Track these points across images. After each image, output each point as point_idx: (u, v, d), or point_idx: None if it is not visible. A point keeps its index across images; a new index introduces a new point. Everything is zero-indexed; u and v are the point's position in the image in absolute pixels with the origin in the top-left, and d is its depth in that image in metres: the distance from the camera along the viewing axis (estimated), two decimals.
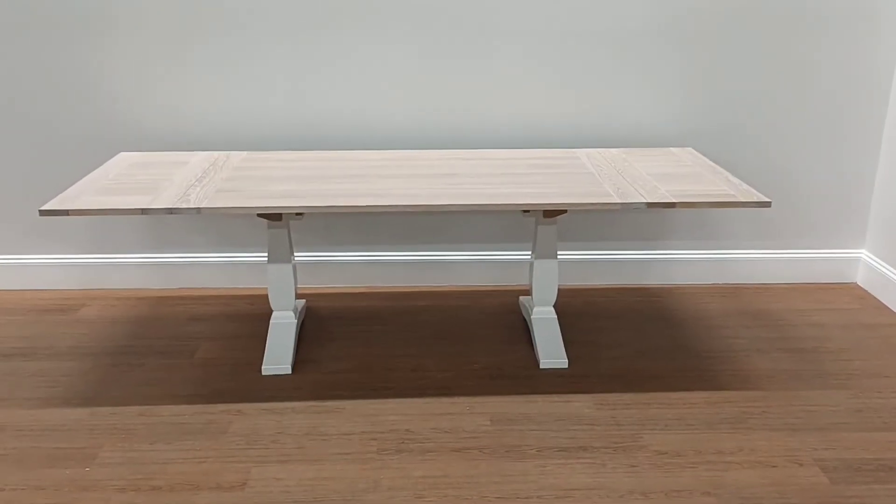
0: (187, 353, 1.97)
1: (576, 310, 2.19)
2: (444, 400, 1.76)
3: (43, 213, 1.63)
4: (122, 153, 2.09)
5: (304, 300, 2.22)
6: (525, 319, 2.14)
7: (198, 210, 1.66)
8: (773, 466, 1.54)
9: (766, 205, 1.72)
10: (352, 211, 1.69)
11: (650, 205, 1.71)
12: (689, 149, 2.16)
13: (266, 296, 2.23)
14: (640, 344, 2.02)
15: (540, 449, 1.59)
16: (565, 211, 1.85)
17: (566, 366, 1.90)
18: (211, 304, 2.25)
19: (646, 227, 2.36)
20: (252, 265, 2.34)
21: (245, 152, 2.09)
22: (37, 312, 2.19)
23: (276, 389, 1.81)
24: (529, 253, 2.36)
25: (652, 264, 2.38)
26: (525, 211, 1.94)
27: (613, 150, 2.13)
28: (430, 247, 2.36)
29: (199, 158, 2.03)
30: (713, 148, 2.26)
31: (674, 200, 1.71)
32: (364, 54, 2.15)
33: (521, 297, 2.23)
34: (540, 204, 1.70)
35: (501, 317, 2.17)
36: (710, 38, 2.17)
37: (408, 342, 2.03)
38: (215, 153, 2.09)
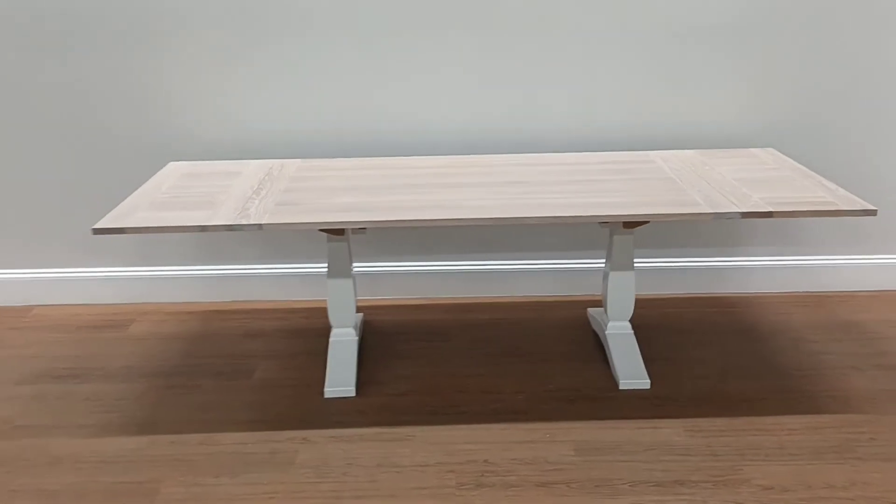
0: (245, 374, 1.87)
1: (649, 322, 2.06)
2: (522, 426, 1.64)
3: (97, 231, 1.54)
4: (172, 163, 2.00)
5: (360, 314, 2.11)
6: (596, 333, 2.02)
7: (259, 226, 1.55)
8: (893, 503, 1.41)
9: (872, 213, 1.58)
10: (421, 225, 1.58)
11: (745, 215, 1.58)
12: (771, 149, 2.02)
13: (322, 309, 2.13)
14: (723, 360, 1.89)
15: (633, 483, 1.47)
16: (647, 221, 1.73)
17: (648, 386, 1.77)
18: (265, 318, 2.15)
19: (718, 232, 2.22)
20: (306, 277, 2.24)
21: (300, 160, 1.99)
22: (86, 329, 2.10)
23: (342, 414, 1.70)
24: (593, 261, 2.23)
25: (725, 272, 2.24)
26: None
27: (689, 152, 2.00)
28: (489, 255, 2.24)
29: (252, 168, 1.93)
30: (790, 148, 2.11)
31: (771, 209, 1.57)
32: (421, 56, 2.03)
33: (589, 309, 2.10)
34: (623, 216, 1.58)
35: (570, 331, 2.05)
36: (790, 32, 2.02)
37: (475, 360, 1.91)
38: (269, 161, 1.98)
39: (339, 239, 1.83)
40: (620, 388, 1.77)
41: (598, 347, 1.96)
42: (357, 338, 1.91)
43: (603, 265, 2.20)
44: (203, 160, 2.06)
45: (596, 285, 2.20)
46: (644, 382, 1.78)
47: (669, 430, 1.62)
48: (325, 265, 2.17)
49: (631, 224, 1.78)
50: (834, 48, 2.04)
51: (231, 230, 1.56)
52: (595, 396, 1.75)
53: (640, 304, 2.14)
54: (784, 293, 2.23)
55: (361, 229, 1.81)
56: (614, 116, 2.09)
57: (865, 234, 2.21)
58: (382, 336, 2.05)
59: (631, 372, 1.80)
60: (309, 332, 2.07)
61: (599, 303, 2.13)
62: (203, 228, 1.55)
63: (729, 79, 2.07)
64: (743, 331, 2.03)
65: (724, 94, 2.08)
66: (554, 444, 1.58)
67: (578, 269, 2.23)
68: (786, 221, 2.19)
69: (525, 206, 1.62)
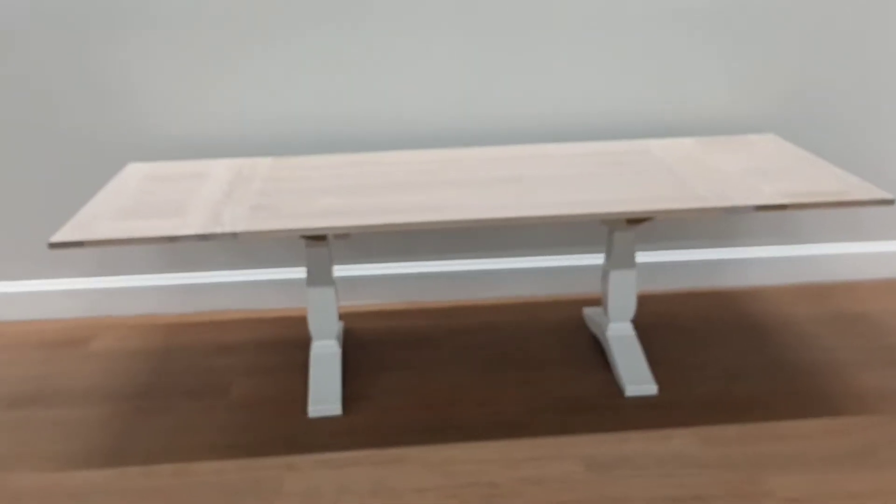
0: (219, 392, 1.73)
1: (646, 321, 1.96)
2: (525, 441, 1.53)
3: (54, 245, 1.38)
4: (131, 164, 1.84)
5: (341, 322, 1.98)
6: (594, 335, 1.91)
7: (234, 235, 1.41)
8: None
9: (889, 202, 1.49)
10: (414, 229, 1.46)
11: (759, 208, 1.48)
12: (772, 135, 1.92)
13: (298, 317, 2.02)
14: (729, 360, 1.79)
15: (648, 500, 1.36)
16: (652, 217, 1.62)
17: (655, 392, 1.67)
18: (237, 329, 2.00)
19: (712, 223, 2.13)
20: (279, 283, 2.09)
21: (271, 158, 1.85)
22: (43, 348, 1.94)
23: (328, 435, 1.57)
24: (584, 257, 2.12)
25: (722, 264, 2.15)
26: None
27: (685, 140, 1.89)
28: (474, 255, 2.12)
29: (220, 168, 1.78)
30: (788, 134, 2.02)
31: (785, 202, 1.48)
32: (400, 41, 1.90)
33: (585, 309, 1.99)
34: (630, 212, 1.47)
35: (566, 334, 1.94)
36: (789, 12, 1.93)
37: (467, 369, 1.79)
38: (238, 160, 1.84)
39: (319, 244, 1.69)
40: (626, 395, 1.67)
41: (597, 350, 1.85)
42: (340, 350, 1.78)
43: (594, 261, 2.11)
44: (164, 159, 1.92)
45: (589, 283, 2.10)
46: (651, 388, 1.67)
47: (681, 441, 1.52)
48: (300, 269, 2.04)
49: (634, 220, 1.67)
50: (835, 28, 1.95)
51: (204, 240, 1.41)
52: (599, 405, 1.64)
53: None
54: (785, 284, 2.15)
55: (345, 235, 1.69)
56: (603, 102, 1.98)
57: (866, 219, 2.13)
58: (365, 345, 1.91)
59: (636, 377, 1.70)
60: (286, 343, 1.93)
61: (594, 301, 2.04)
62: (172, 239, 1.41)
63: (723, 61, 1.97)
64: (746, 327, 1.94)
65: (717, 78, 1.98)
66: (561, 459, 1.47)
67: (569, 267, 2.12)
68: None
69: (523, 204, 1.50)
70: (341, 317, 2.02)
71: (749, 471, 1.43)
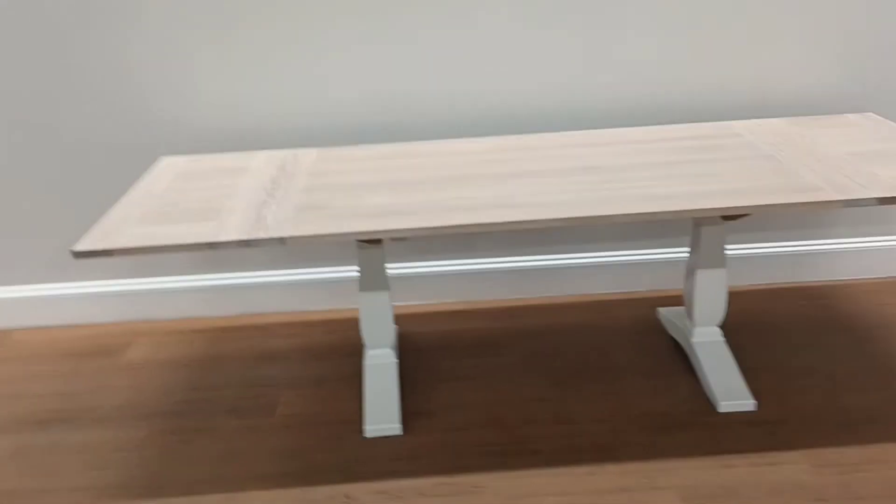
0: (266, 409, 1.57)
1: (732, 321, 1.76)
2: (612, 467, 1.35)
3: (78, 255, 1.22)
4: (165, 158, 1.67)
5: (395, 326, 1.81)
6: (672, 338, 1.72)
7: (282, 240, 1.24)
8: None
9: None
10: (486, 230, 1.27)
11: (882, 200, 1.27)
12: (870, 114, 1.71)
13: (347, 320, 1.86)
14: (832, 367, 1.60)
15: None
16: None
17: (753, 408, 1.48)
18: (282, 334, 1.85)
19: (799, 212, 1.92)
20: (328, 283, 1.92)
21: (316, 150, 1.67)
22: (74, 357, 1.79)
23: (388, 459, 1.41)
24: (653, 251, 1.93)
25: (808, 257, 1.95)
26: None
27: (777, 121, 1.69)
28: (535, 250, 1.94)
29: (261, 161, 1.61)
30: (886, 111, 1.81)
31: None
32: (452, 12, 1.71)
33: (660, 310, 1.81)
34: (736, 207, 1.27)
35: (639, 336, 1.76)
36: None
37: (537, 379, 1.62)
38: (280, 153, 1.66)
39: (373, 245, 1.52)
40: (720, 410, 1.48)
41: (678, 356, 1.66)
42: (397, 360, 1.62)
43: (671, 255, 1.92)
44: (199, 152, 1.76)
45: (663, 279, 1.91)
46: (748, 403, 1.48)
47: (793, 466, 1.33)
48: (350, 267, 1.89)
49: (733, 216, 1.48)
50: None
51: (247, 246, 1.24)
52: (691, 423, 1.46)
53: None
54: (877, 279, 1.94)
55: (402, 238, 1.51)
56: (677, 78, 1.78)
57: None
58: (422, 352, 1.75)
59: (730, 390, 1.51)
60: (334, 350, 1.77)
61: (669, 299, 1.85)
62: (212, 246, 1.24)
63: (810, 32, 1.75)
64: (843, 327, 1.74)
65: (804, 50, 1.77)
66: (656, 491, 1.29)
67: (643, 262, 1.93)
68: None
69: (609, 199, 1.31)
70: (395, 319, 1.85)
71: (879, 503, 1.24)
